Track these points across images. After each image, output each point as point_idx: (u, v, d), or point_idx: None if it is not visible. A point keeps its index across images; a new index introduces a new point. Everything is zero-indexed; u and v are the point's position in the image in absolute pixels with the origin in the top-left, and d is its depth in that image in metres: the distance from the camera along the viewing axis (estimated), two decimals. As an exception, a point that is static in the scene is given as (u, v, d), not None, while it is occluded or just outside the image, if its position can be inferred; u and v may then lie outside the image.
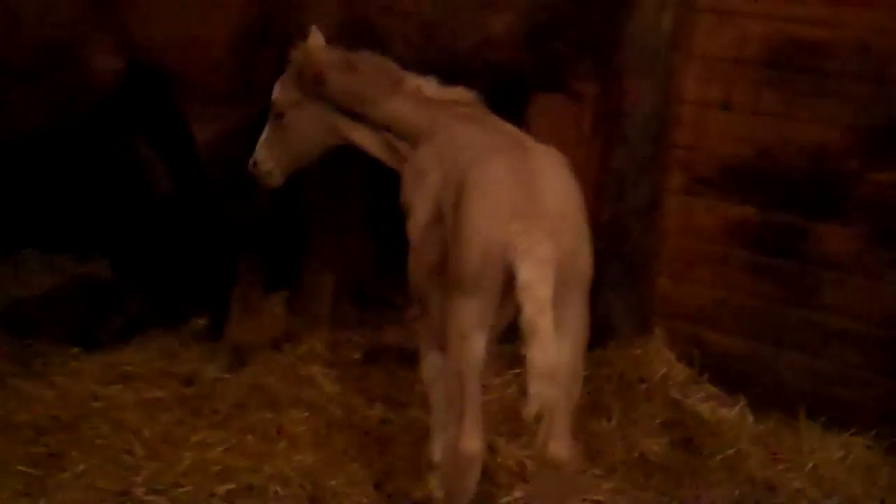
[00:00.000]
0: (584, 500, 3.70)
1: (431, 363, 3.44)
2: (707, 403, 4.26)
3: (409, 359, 4.55)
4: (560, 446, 3.01)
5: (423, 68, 4.78)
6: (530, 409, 2.75)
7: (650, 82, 4.47)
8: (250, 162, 3.82)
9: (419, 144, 3.52)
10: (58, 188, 5.05)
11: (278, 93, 3.74)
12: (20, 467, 3.63)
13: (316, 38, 3.76)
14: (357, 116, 3.68)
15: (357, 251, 5.01)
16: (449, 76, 4.74)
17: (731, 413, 4.21)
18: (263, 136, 3.80)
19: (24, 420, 3.92)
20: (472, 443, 2.97)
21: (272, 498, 3.59)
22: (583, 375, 3.19)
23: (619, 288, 4.59)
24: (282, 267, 4.84)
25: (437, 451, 3.48)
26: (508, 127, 3.52)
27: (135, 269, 4.75)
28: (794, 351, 4.30)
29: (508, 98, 4.67)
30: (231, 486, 3.63)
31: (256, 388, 4.28)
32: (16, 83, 3.83)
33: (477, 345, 2.99)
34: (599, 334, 4.51)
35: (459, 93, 3.66)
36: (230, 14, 4.13)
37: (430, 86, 3.65)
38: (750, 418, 4.20)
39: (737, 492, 3.77)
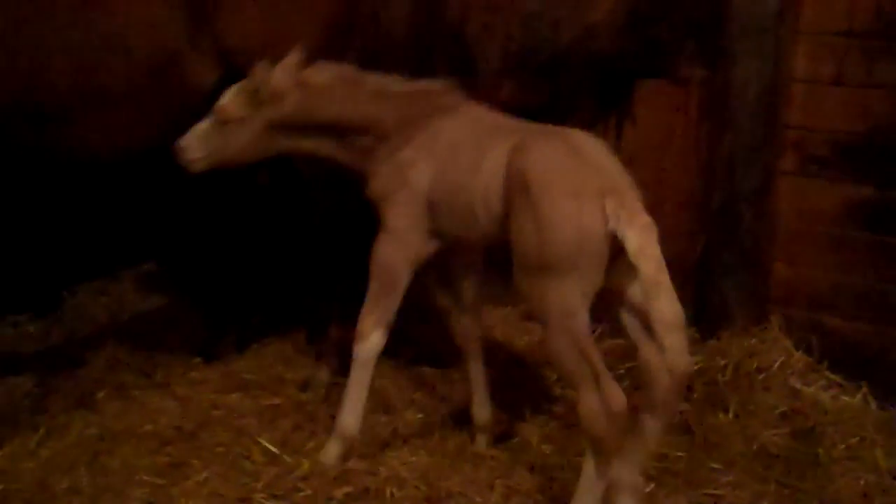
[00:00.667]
0: (704, 494, 3.62)
1: (376, 341, 3.70)
2: (828, 392, 4.13)
3: (520, 357, 4.57)
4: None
5: (525, 61, 4.83)
6: (677, 360, 3.03)
7: (758, 62, 4.34)
8: (177, 141, 3.77)
9: (391, 140, 3.65)
10: (169, 200, 5.18)
11: (227, 102, 3.73)
12: (145, 477, 3.72)
13: (293, 56, 3.73)
14: (316, 127, 3.73)
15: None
16: (552, 67, 4.76)
17: (854, 400, 4.08)
18: (201, 126, 3.76)
19: (147, 430, 4.03)
20: (620, 398, 3.18)
21: (389, 500, 3.61)
22: None
23: (733, 275, 4.48)
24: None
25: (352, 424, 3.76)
26: (499, 114, 3.70)
27: (247, 279, 4.85)
28: (917, 334, 4.13)
29: (613, 86, 4.63)
30: (348, 489, 3.65)
31: (370, 392, 4.31)
32: (125, 105, 3.95)
33: (584, 318, 3.19)
34: (714, 323, 4.46)
35: (429, 84, 3.74)
36: (317, 15, 4.19)
37: (395, 83, 3.73)
38: (873, 405, 4.06)
39: (862, 481, 3.64)
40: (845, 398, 4.09)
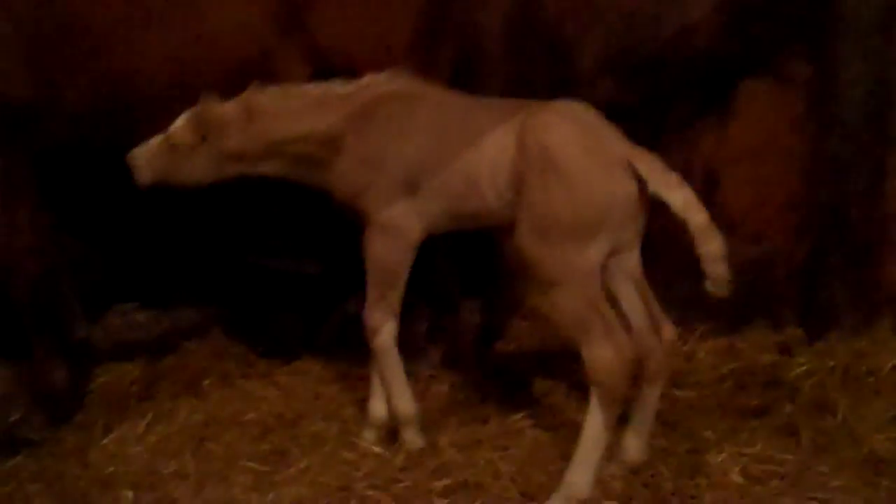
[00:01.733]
0: (811, 498, 3.54)
1: (390, 331, 3.79)
2: (942, 395, 4.01)
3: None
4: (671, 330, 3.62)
5: (624, 59, 4.78)
6: (722, 285, 3.33)
7: (865, 61, 4.25)
8: (131, 152, 3.76)
9: (349, 137, 3.70)
10: (267, 195, 5.23)
11: (176, 129, 3.72)
12: (249, 463, 3.81)
13: (249, 92, 3.75)
14: (270, 149, 3.76)
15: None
16: (651, 66, 4.71)
17: (970, 403, 3.95)
18: (153, 142, 3.74)
19: (250, 418, 4.12)
20: (629, 347, 3.39)
21: (486, 491, 3.60)
22: None
23: (841, 277, 4.38)
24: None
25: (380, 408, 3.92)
26: (463, 93, 3.81)
27: (348, 270, 4.88)
28: None
29: (714, 85, 4.57)
30: (448, 481, 3.66)
31: (465, 386, 4.33)
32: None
33: (598, 275, 3.41)
34: (821, 325, 4.37)
35: (372, 77, 3.79)
36: (408, 15, 4.26)
37: (338, 85, 3.77)
38: None
39: (981, 486, 3.52)
40: (960, 402, 3.97)
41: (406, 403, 3.86)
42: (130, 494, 3.63)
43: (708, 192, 4.65)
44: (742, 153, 4.58)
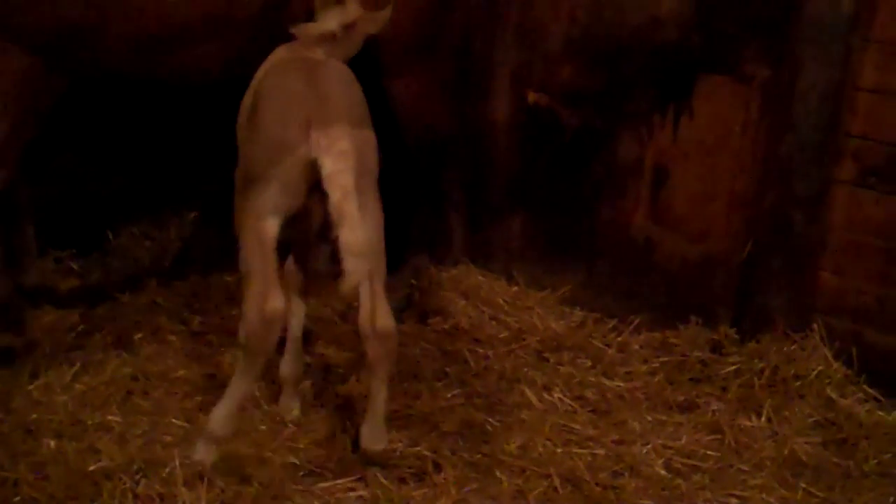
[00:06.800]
0: (730, 494, 3.60)
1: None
2: (864, 405, 4.08)
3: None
4: (386, 319, 3.41)
5: (588, 47, 4.78)
6: (348, 284, 3.13)
7: (825, 67, 4.25)
8: None
9: None
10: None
11: None
12: (175, 420, 3.77)
13: None
14: None
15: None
16: (614, 54, 4.71)
17: (890, 416, 4.02)
18: None
19: (180, 376, 4.07)
20: (277, 302, 3.27)
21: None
22: (384, 254, 3.48)
23: (778, 280, 4.42)
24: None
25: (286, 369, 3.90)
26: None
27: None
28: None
29: (673, 79, 4.58)
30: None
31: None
32: (241, 32, 4.09)
33: (271, 226, 3.30)
34: (754, 326, 4.42)
35: None
36: None
37: None
38: (910, 423, 3.99)
39: (892, 498, 3.59)
40: (881, 413, 4.03)
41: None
42: (52, 443, 3.57)
43: (657, 186, 4.70)
44: (696, 148, 4.60)
